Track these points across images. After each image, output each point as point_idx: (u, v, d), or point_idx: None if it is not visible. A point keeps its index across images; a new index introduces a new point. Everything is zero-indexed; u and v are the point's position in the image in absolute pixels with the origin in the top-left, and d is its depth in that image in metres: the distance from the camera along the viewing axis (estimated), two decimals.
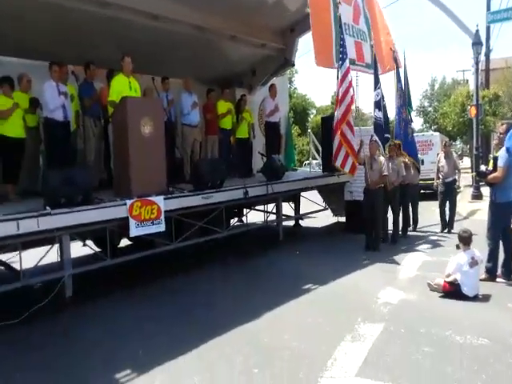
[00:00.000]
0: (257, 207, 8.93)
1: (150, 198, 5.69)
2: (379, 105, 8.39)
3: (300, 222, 10.64)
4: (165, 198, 5.86)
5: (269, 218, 8.75)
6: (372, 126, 8.80)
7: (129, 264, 6.03)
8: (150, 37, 7.69)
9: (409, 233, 8.93)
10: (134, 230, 5.45)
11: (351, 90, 7.74)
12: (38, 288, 4.76)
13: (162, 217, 5.71)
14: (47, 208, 4.82)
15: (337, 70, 7.74)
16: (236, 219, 8.62)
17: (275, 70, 10.91)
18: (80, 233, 5.41)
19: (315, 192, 9.75)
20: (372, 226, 7.73)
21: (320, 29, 7.69)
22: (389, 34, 10.01)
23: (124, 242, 7.88)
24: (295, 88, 35.13)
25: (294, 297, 5.34)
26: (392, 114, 9.75)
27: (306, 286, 5.75)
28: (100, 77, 7.31)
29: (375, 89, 8.48)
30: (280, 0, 8.73)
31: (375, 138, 8.06)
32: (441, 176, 9.16)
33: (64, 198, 5.04)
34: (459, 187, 16.97)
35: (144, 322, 4.80)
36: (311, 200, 9.98)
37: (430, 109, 52.08)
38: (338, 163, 7.86)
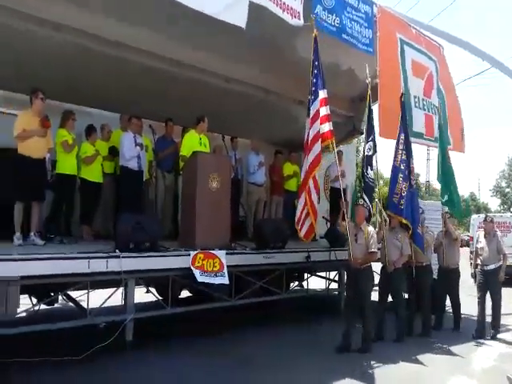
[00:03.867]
0: (318, 273, 8.93)
1: (212, 252, 5.97)
2: (371, 161, 7.14)
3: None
4: (227, 253, 6.11)
5: (330, 286, 8.72)
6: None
7: (189, 315, 6.28)
8: (222, 98, 8.40)
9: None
10: (200, 278, 5.69)
11: (325, 126, 6.28)
12: (101, 328, 5.05)
13: (225, 270, 5.93)
14: (117, 251, 5.25)
15: (307, 109, 6.60)
16: (296, 283, 8.67)
17: (343, 137, 11.29)
18: (144, 278, 5.75)
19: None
20: (351, 318, 6.11)
21: (388, 100, 7.62)
22: (460, 113, 10.06)
23: (184, 294, 8.16)
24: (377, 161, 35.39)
25: (350, 375, 5.12)
26: None
27: (365, 364, 5.52)
28: (177, 133, 8.06)
29: (367, 141, 7.22)
30: (351, 69, 9.23)
31: (364, 201, 6.72)
32: (479, 261, 7.28)
33: (133, 243, 5.47)
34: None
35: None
36: (376, 272, 9.82)
37: (507, 190, 50.56)
38: (299, 227, 6.66)
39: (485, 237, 7.24)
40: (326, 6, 6.66)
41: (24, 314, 5.20)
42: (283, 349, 6.08)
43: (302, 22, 6.30)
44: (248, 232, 8.39)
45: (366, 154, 7.21)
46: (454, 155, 8.49)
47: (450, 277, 7.59)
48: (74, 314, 5.51)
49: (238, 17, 5.54)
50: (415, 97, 8.57)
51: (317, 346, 6.23)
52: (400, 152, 7.27)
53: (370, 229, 6.27)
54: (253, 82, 8.62)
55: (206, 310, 6.35)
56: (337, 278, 8.59)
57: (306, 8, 6.34)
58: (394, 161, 7.32)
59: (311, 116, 6.39)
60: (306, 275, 8.74)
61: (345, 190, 10.15)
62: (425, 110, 8.76)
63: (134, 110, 7.31)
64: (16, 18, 5.73)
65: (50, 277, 4.71)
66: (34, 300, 5.81)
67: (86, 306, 5.25)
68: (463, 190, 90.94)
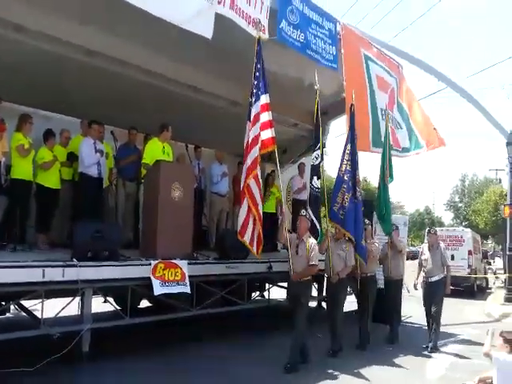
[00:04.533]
0: (280, 283, 8.95)
1: (173, 261, 5.89)
2: (317, 171, 7.01)
3: (323, 304, 10.52)
4: (189, 263, 6.04)
5: None
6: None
7: (147, 325, 6.14)
8: (188, 107, 8.37)
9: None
10: (158, 289, 5.58)
11: (266, 132, 6.02)
12: (56, 338, 4.85)
13: (187, 280, 5.86)
14: (74, 260, 5.08)
15: (248, 109, 6.14)
16: (257, 293, 8.66)
17: (306, 149, 11.46)
18: (102, 288, 5.58)
19: None
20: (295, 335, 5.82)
21: (356, 114, 7.55)
22: (427, 117, 10.26)
23: (144, 304, 7.99)
24: (324, 170, 36.09)
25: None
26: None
27: (324, 374, 5.53)
28: (139, 140, 7.94)
29: (314, 150, 7.10)
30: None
31: (306, 212, 6.47)
32: (423, 273, 7.30)
33: (91, 251, 5.32)
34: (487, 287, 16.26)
35: None
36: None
37: (460, 204, 52.68)
38: (246, 238, 5.93)
39: (429, 249, 7.29)
40: (291, 21, 6.78)
41: None
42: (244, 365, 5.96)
43: (267, 36, 6.38)
44: (210, 242, 8.34)
45: (312, 163, 7.13)
46: (413, 165, 8.80)
47: (393, 288, 7.63)
48: (26, 324, 5.29)
49: (205, 27, 5.55)
50: (382, 109, 8.80)
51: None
52: (345, 162, 7.20)
53: (312, 241, 6.03)
54: (219, 93, 8.62)
55: (166, 320, 6.23)
56: None
57: (271, 23, 6.43)
58: (339, 170, 7.27)
59: (252, 118, 5.98)
60: (267, 285, 8.75)
61: (305, 201, 10.28)
62: (390, 123, 8.91)
63: (96, 116, 7.13)
64: None
65: (1, 285, 4.49)
66: None
67: (40, 316, 5.03)
68: (419, 204, 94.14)
